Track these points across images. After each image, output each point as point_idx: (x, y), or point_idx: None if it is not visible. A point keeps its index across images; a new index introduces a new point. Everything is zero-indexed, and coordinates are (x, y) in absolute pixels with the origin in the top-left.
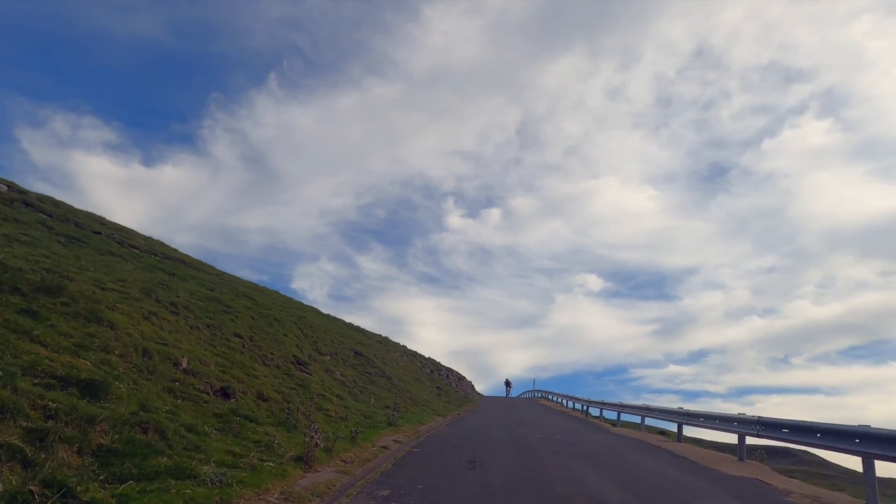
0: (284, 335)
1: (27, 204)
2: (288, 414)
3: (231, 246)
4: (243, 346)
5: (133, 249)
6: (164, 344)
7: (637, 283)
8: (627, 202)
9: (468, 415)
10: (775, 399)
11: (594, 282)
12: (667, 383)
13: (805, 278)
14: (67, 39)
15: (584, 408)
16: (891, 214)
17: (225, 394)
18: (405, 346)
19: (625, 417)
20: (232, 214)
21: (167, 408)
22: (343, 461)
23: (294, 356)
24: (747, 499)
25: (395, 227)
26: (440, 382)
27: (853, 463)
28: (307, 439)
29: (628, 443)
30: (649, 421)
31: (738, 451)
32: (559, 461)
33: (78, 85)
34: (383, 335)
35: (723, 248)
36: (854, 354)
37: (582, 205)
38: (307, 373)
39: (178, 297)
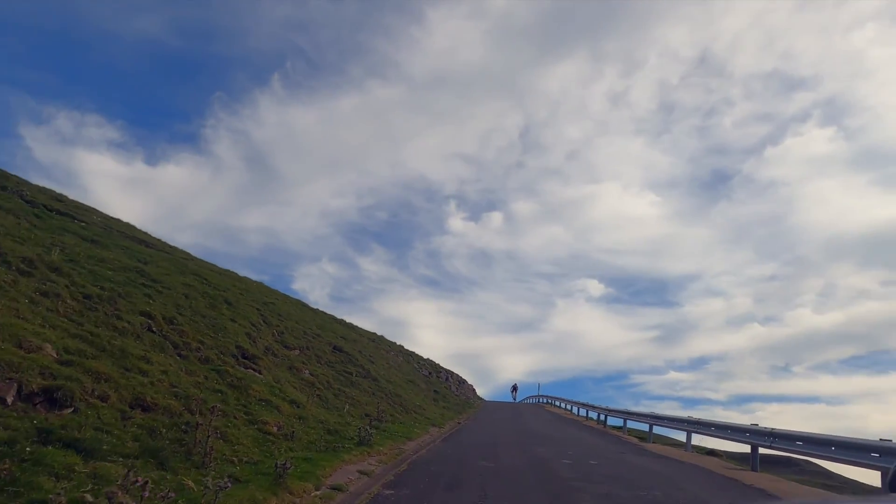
0: (232, 320)
1: None
2: (185, 432)
3: (232, 246)
4: (149, 328)
5: (50, 212)
6: None
7: (637, 290)
8: (628, 208)
9: (470, 424)
10: (775, 407)
11: (595, 287)
12: (667, 390)
13: (806, 286)
14: (72, 38)
15: (600, 416)
16: (892, 223)
17: (51, 400)
18: (402, 346)
19: (637, 426)
20: (233, 214)
21: None
22: None
23: (239, 347)
24: None
25: (396, 229)
26: (438, 386)
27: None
28: None
29: (694, 474)
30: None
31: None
32: None
33: (82, 83)
34: (379, 334)
35: (724, 255)
36: (855, 364)
37: (583, 210)
38: (255, 369)
39: (48, 255)
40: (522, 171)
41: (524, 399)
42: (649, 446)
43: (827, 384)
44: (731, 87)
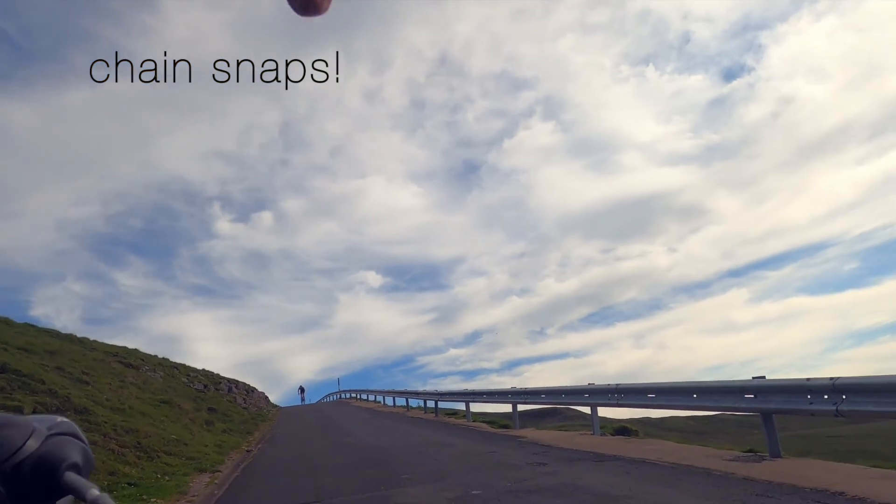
0: None
1: None
2: None
3: None
4: None
5: None
6: None
7: (413, 276)
8: (395, 200)
9: (267, 452)
10: (537, 367)
11: (373, 278)
12: (449, 366)
13: (548, 259)
14: None
15: (425, 402)
16: (604, 201)
17: None
18: (166, 358)
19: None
20: None
21: None
22: None
23: None
24: None
25: (155, 236)
26: (217, 401)
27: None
28: None
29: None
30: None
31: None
32: None
33: None
34: (132, 347)
35: (482, 237)
36: (591, 321)
37: (353, 204)
38: None
39: None
40: (288, 169)
41: (321, 399)
42: (544, 436)
43: (573, 341)
44: (469, 86)
